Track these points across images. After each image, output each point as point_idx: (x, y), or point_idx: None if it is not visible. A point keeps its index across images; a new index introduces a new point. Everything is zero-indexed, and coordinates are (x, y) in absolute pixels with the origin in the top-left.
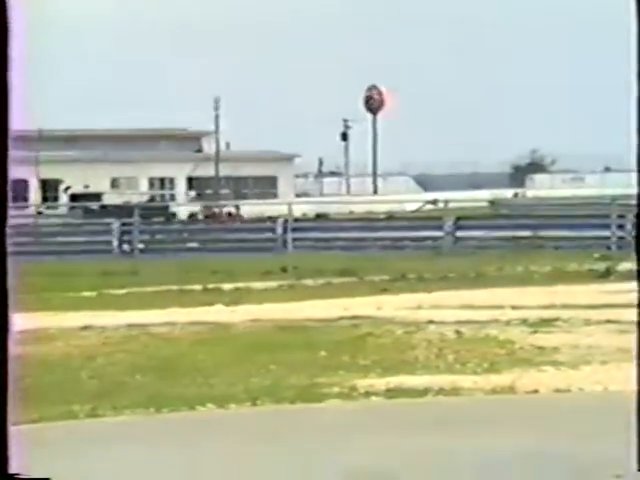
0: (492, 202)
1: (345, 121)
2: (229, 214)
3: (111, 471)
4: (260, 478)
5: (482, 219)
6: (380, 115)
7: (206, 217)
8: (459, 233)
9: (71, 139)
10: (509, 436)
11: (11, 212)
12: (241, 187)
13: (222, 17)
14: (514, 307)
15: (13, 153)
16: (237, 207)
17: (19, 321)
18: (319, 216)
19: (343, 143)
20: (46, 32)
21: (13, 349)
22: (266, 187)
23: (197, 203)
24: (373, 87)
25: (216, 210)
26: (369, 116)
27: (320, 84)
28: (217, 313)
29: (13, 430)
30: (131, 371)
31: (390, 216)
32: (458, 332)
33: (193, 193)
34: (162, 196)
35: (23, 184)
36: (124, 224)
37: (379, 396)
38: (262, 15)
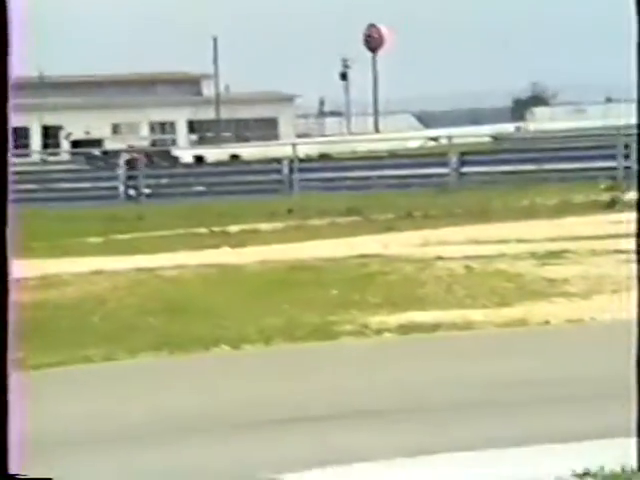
0: (494, 137)
1: (344, 60)
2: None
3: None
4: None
5: (486, 154)
6: (380, 53)
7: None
8: (464, 169)
9: (71, 85)
10: (518, 363)
11: (14, 160)
12: (242, 129)
13: None
14: (522, 241)
15: (13, 100)
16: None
17: (29, 268)
18: (322, 156)
19: (343, 83)
20: None
21: (24, 296)
22: (267, 129)
23: (200, 147)
24: (372, 26)
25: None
26: (369, 55)
27: (319, 24)
28: (226, 255)
29: (35, 374)
30: (143, 314)
31: (393, 154)
32: (467, 267)
33: (194, 137)
34: (163, 140)
35: (24, 131)
36: (129, 169)
37: (392, 332)
38: None
